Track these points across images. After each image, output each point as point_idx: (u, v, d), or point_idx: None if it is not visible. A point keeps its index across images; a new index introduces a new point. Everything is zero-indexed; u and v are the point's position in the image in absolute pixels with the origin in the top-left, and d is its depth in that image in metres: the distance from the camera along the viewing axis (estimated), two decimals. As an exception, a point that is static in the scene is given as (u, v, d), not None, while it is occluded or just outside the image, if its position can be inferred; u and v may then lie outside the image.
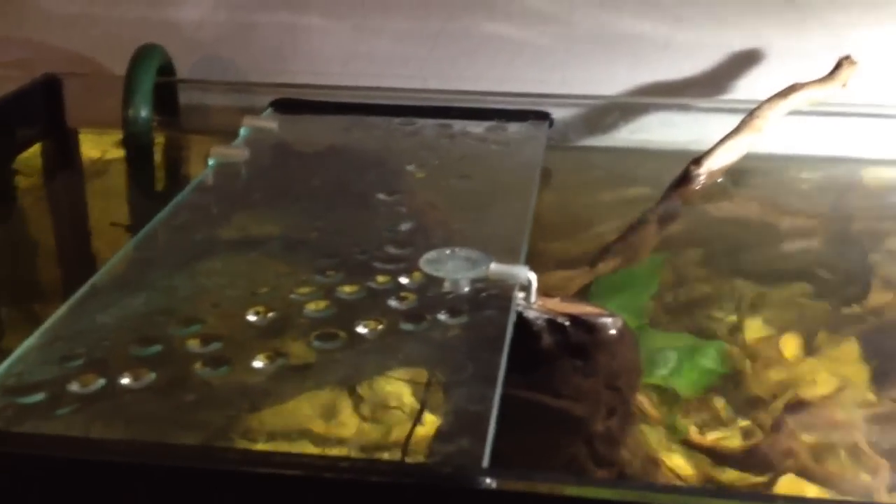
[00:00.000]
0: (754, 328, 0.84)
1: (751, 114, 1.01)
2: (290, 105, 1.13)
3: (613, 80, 1.16)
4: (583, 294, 0.86)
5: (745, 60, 1.13)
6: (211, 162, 0.95)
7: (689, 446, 0.72)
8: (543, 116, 1.11)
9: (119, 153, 1.14)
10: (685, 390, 0.77)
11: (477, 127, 1.08)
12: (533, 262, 0.76)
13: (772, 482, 0.68)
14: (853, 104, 1.08)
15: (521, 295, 0.74)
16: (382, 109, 1.12)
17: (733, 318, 0.85)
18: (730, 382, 0.78)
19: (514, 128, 1.08)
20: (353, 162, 1.00)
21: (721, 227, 1.00)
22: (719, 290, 0.88)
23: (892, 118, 1.11)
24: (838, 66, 1.04)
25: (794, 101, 1.02)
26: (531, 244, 0.82)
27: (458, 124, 1.09)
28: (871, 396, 0.76)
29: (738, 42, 1.13)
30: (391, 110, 1.11)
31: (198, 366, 0.63)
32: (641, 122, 1.16)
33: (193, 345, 0.65)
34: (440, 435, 0.60)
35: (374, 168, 0.97)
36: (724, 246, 0.97)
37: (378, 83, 1.19)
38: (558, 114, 1.14)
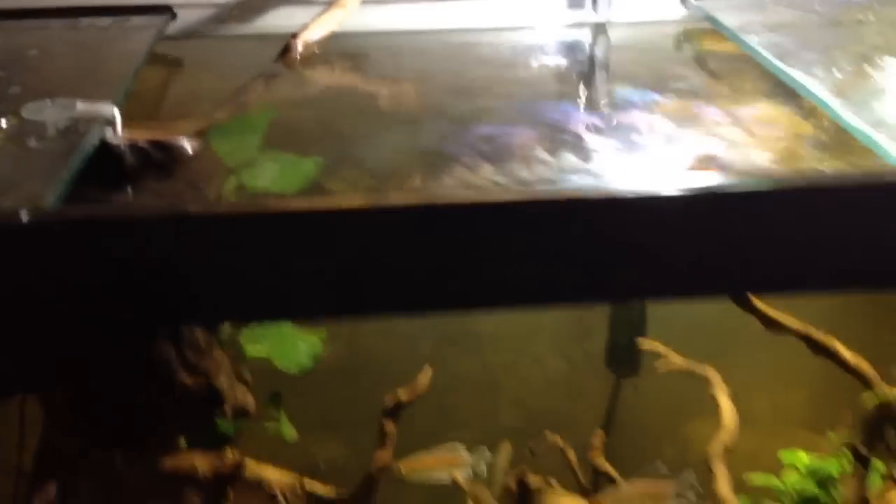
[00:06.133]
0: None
1: (338, -7, 1.18)
2: None
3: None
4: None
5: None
6: None
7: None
8: (165, 10, 1.22)
9: None
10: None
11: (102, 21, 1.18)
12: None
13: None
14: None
15: (107, 129, 0.86)
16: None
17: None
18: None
19: (135, 20, 1.19)
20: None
21: (319, 88, 1.17)
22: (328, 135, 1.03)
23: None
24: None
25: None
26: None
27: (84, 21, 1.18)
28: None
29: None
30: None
31: None
32: (263, 11, 1.28)
33: None
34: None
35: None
36: (324, 104, 1.13)
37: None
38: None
